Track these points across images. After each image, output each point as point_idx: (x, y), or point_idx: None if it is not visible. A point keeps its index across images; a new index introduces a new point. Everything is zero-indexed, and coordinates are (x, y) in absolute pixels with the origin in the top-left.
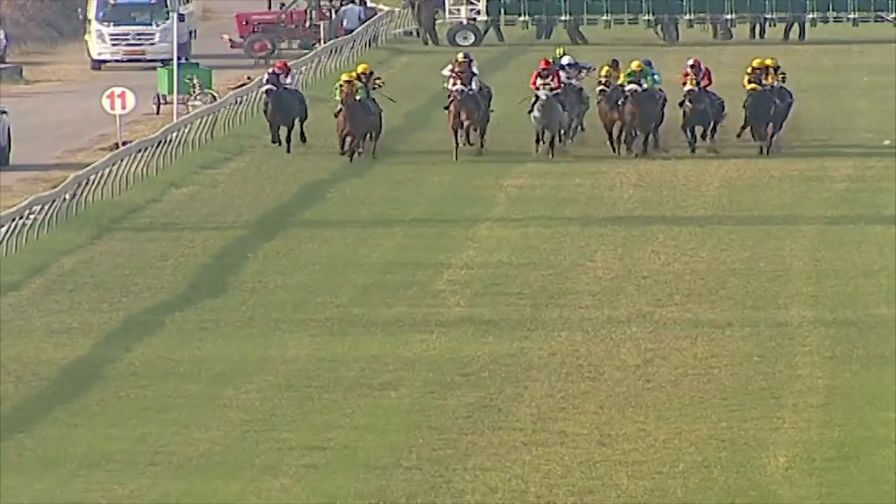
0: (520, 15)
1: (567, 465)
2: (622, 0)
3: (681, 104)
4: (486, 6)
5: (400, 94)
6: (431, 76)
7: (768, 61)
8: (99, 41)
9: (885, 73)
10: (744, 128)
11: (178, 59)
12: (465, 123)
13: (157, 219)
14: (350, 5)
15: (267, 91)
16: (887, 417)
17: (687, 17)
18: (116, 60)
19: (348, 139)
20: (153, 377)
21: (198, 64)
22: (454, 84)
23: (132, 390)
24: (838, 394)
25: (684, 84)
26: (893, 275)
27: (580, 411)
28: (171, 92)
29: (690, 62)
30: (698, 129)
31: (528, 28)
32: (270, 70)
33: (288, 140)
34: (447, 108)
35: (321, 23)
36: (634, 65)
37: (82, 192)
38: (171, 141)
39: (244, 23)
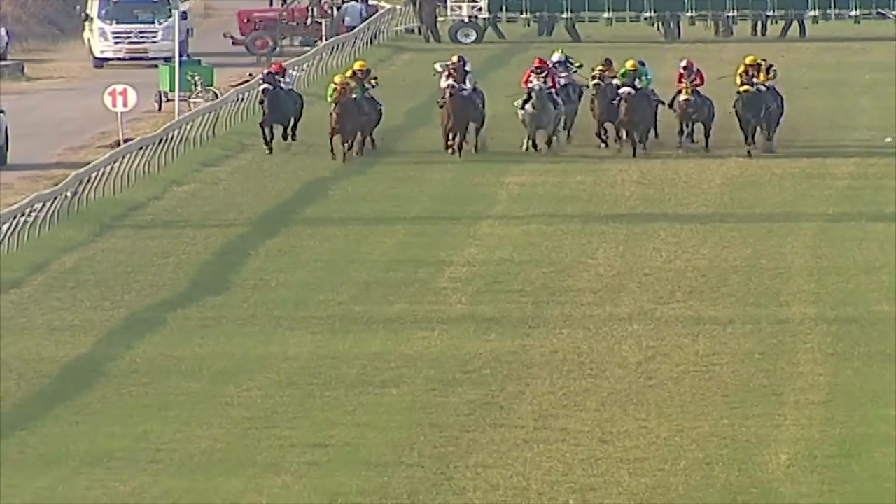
0: (521, 12)
1: (568, 462)
2: None
3: (670, 105)
4: (488, 3)
5: (401, 91)
6: (433, 74)
7: (759, 60)
8: (101, 39)
9: (886, 70)
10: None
11: (180, 56)
12: (460, 122)
13: (158, 216)
14: (352, 2)
15: (264, 90)
16: (888, 414)
17: (688, 14)
18: (119, 58)
19: (336, 138)
20: (155, 374)
21: (199, 61)
22: (446, 79)
23: (134, 388)
24: (840, 391)
25: (679, 93)
26: (894, 272)
27: (581, 408)
28: (172, 89)
29: (683, 63)
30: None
31: (529, 26)
32: (266, 71)
33: (284, 138)
34: (441, 105)
35: (323, 20)
36: (629, 64)
37: (84, 190)
38: (172, 138)
39: (246, 20)
